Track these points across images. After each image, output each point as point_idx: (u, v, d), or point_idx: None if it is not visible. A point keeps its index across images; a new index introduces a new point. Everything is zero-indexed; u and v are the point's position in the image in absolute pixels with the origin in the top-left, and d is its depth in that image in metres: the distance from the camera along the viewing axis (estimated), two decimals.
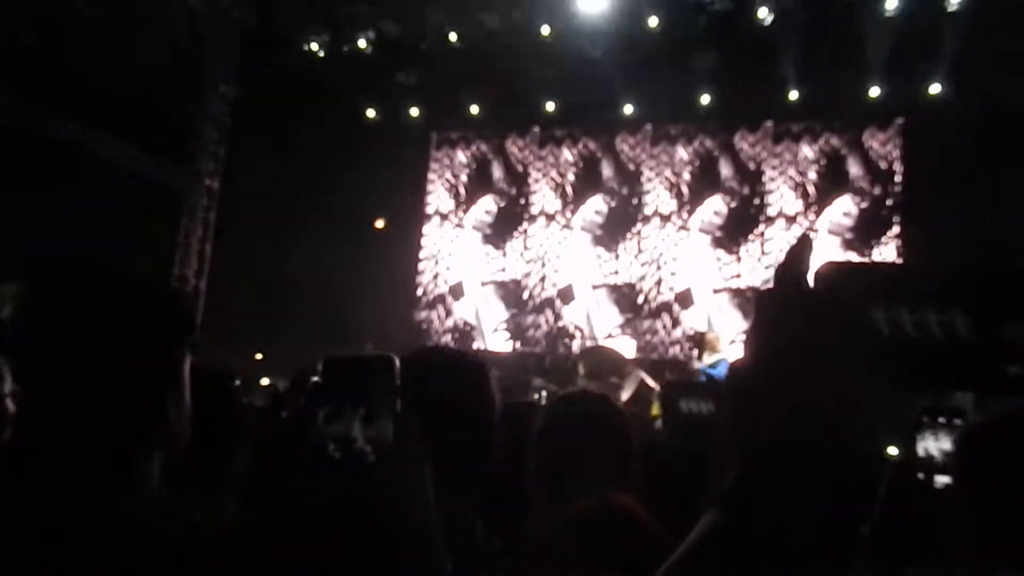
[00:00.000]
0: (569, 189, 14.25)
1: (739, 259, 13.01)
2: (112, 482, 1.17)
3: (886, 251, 12.19)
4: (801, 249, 0.79)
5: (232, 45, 12.94)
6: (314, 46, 12.96)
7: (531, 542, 1.97)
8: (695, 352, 12.72)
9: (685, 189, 13.53)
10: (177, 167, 12.74)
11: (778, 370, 0.73)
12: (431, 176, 15.06)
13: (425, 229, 14.95)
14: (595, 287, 13.81)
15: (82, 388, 1.20)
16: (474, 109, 14.14)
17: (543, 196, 14.35)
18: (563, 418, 2.23)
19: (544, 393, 11.00)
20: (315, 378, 1.18)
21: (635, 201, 13.80)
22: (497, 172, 14.68)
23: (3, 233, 7.60)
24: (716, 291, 13.06)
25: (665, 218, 13.55)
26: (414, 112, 14.23)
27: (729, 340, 12.65)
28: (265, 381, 8.78)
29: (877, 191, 12.50)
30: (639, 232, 13.68)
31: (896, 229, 12.25)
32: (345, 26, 12.84)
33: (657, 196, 13.67)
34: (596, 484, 2.01)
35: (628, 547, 1.83)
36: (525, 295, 14.16)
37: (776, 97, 12.49)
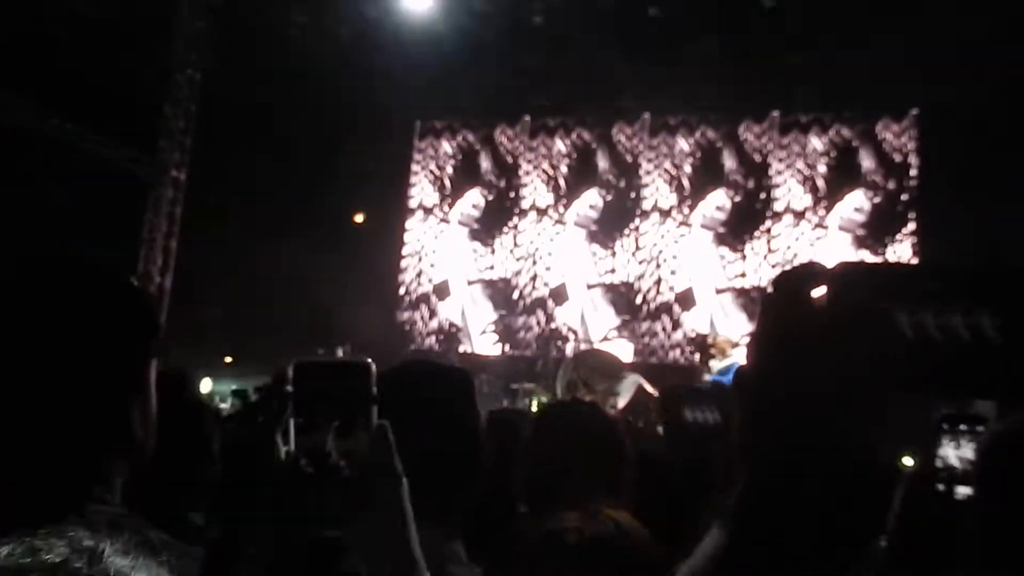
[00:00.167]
0: (562, 182, 14.25)
1: (744, 257, 13.05)
2: (69, 499, 1.15)
3: (901, 249, 12.24)
4: (814, 261, 0.80)
5: (202, 26, 12.89)
6: (291, 28, 12.92)
7: (516, 558, 1.96)
8: (697, 356, 12.75)
9: (686, 182, 13.56)
10: (141, 156, 12.69)
11: (786, 375, 0.72)
12: (414, 168, 15.03)
13: (408, 224, 14.92)
14: (590, 286, 13.82)
15: (35, 397, 1.18)
16: (461, 96, 14.12)
17: (534, 189, 14.35)
18: (552, 427, 2.23)
19: (535, 399, 11.03)
20: (288, 387, 1.17)
21: (633, 195, 13.81)
22: (485, 163, 14.67)
23: None
24: (719, 291, 13.09)
25: (665, 213, 13.58)
26: (397, 99, 14.19)
27: (733, 344, 12.69)
28: (234, 387, 8.75)
29: (891, 185, 12.55)
30: (637, 228, 13.69)
31: (911, 226, 12.30)
32: (323, 6, 12.81)
33: (656, 190, 13.69)
34: (586, 496, 2.01)
35: (620, 562, 1.82)
36: (515, 295, 14.16)
37: (784, 85, 12.52)
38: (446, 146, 14.97)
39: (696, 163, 13.55)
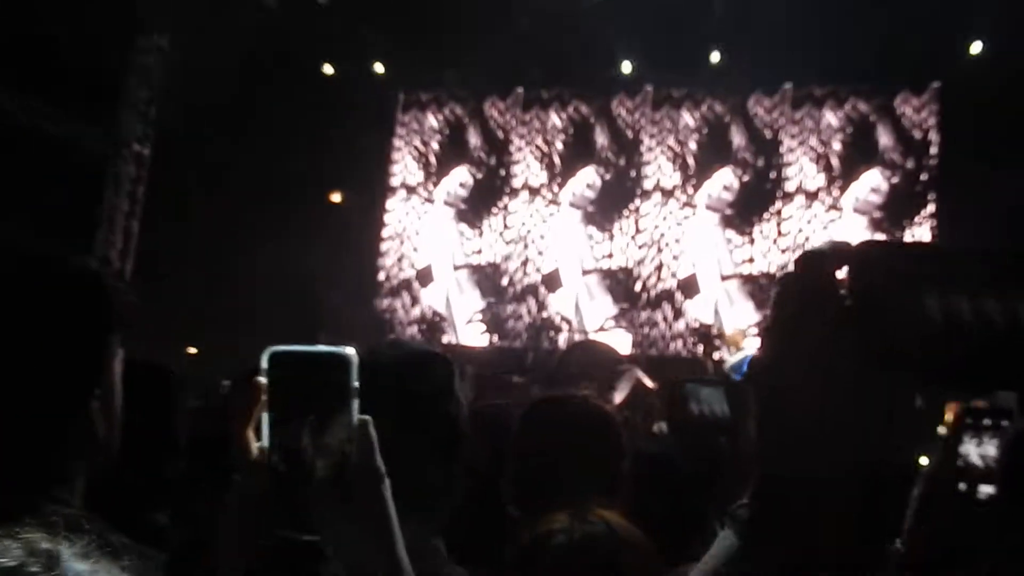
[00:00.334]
0: (557, 159, 14.23)
1: (752, 241, 13.07)
2: (25, 500, 1.15)
3: (919, 233, 12.27)
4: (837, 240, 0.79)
5: None
6: None
7: (505, 562, 1.97)
8: (700, 348, 12.79)
9: (691, 160, 13.56)
10: (100, 130, 12.60)
11: (804, 366, 0.72)
12: (397, 143, 14.98)
13: (389, 204, 14.89)
14: (585, 272, 13.83)
15: None
16: (447, 66, 14.07)
17: (526, 167, 14.33)
18: (542, 423, 2.23)
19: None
20: (262, 378, 1.17)
21: (633, 173, 13.81)
22: (473, 139, 14.64)
23: None
24: (725, 277, 13.12)
25: (667, 193, 13.58)
26: (378, 69, 14.14)
27: (746, 335, 12.73)
28: (199, 379, 8.72)
29: (910, 164, 12.58)
30: (637, 209, 13.70)
31: (931, 207, 12.34)
32: None
33: (658, 168, 13.69)
34: (579, 496, 2.02)
35: (610, 564, 1.83)
36: (504, 281, 14.16)
37: (796, 56, 12.51)
38: (431, 120, 14.92)
39: (702, 139, 13.55)
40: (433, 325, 14.30)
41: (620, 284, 13.65)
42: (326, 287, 12.47)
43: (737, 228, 13.21)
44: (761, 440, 0.75)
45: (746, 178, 13.28)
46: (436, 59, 13.93)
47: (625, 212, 13.77)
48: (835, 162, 12.93)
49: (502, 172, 14.48)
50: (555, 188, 14.17)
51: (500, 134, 14.58)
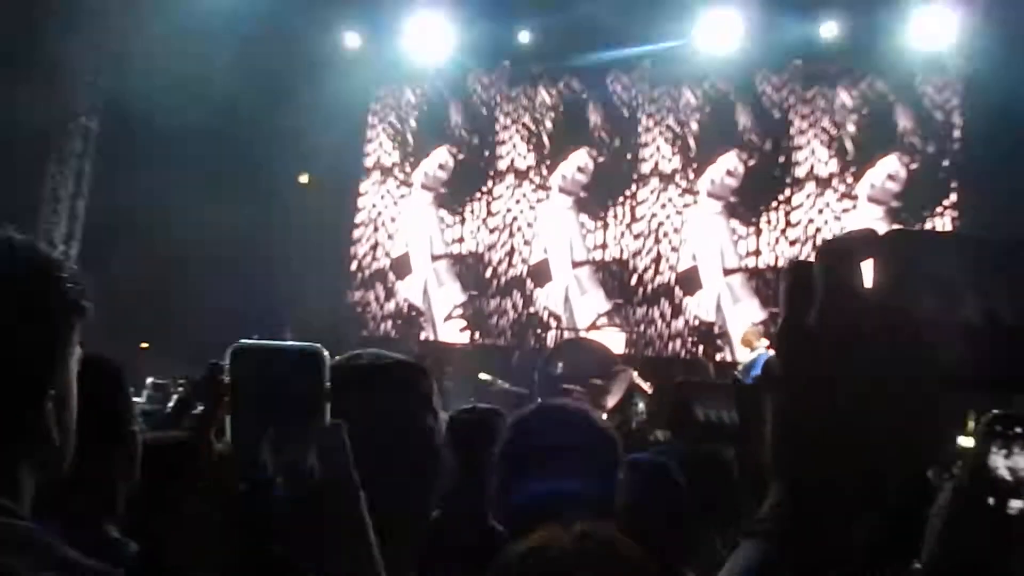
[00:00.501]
0: (546, 140, 14.23)
1: (758, 232, 13.10)
2: None
3: (940, 223, 12.32)
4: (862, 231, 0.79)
5: None
6: None
7: None
8: (701, 348, 12.83)
9: (692, 142, 13.58)
10: (43, 101, 12.51)
11: (826, 370, 0.72)
12: (371, 120, 14.94)
13: (363, 187, 14.85)
14: (576, 264, 13.84)
15: None
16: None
17: (513, 148, 14.32)
18: (533, 432, 2.23)
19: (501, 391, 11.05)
20: (225, 376, 1.16)
21: (629, 156, 13.82)
22: (455, 116, 14.61)
23: None
24: (728, 271, 13.15)
25: (667, 178, 13.60)
26: (352, 39, 14.08)
27: (762, 334, 12.77)
28: (153, 378, 8.70)
29: (931, 149, 12.62)
30: (633, 195, 13.71)
31: (953, 196, 12.39)
32: None
33: (657, 150, 13.71)
34: (573, 509, 2.03)
35: None
36: (487, 273, 14.16)
37: (808, 29, 12.53)
38: (409, 94, 14.88)
39: (704, 119, 13.56)
40: (409, 320, 14.27)
41: (614, 277, 13.66)
42: (292, 278, 12.43)
43: (742, 217, 13.23)
44: (777, 450, 0.75)
45: (752, 163, 13.30)
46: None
47: (620, 199, 13.78)
48: (849, 146, 12.96)
49: (486, 153, 14.46)
50: (544, 171, 14.16)
51: (484, 111, 14.55)
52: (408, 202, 14.65)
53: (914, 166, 12.65)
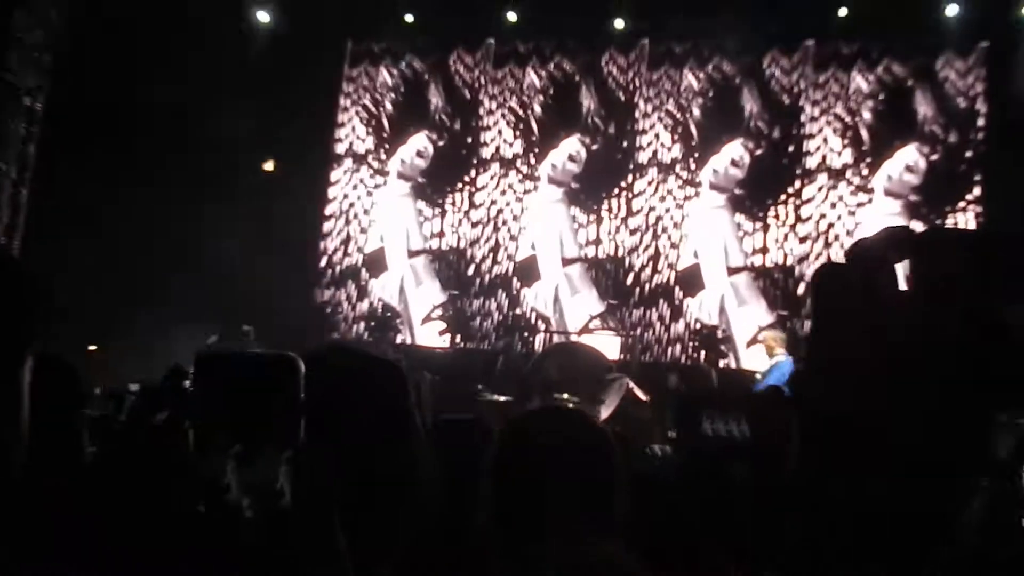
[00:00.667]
0: (534, 125, 14.22)
1: (765, 227, 13.13)
2: None
3: (963, 219, 12.37)
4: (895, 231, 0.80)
5: None
6: None
7: None
8: (703, 354, 12.84)
9: (694, 129, 13.59)
10: None
11: (862, 381, 0.72)
12: (343, 102, 14.90)
13: (333, 175, 14.80)
14: (567, 261, 13.84)
15: None
16: (407, 12, 14.00)
17: (498, 134, 14.31)
18: (526, 439, 2.22)
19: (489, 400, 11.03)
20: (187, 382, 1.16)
21: (625, 144, 13.83)
22: (435, 99, 14.59)
23: None
24: (733, 270, 13.17)
25: (666, 168, 13.61)
26: (323, 15, 14.03)
27: (747, 340, 12.79)
28: (104, 384, 8.64)
29: (953, 138, 12.67)
30: (630, 187, 13.72)
31: (977, 190, 12.43)
32: None
33: (656, 138, 13.72)
34: (571, 526, 2.03)
35: None
36: (470, 270, 14.13)
37: (820, 7, 12.56)
38: (385, 75, 14.85)
39: (707, 105, 13.58)
40: (384, 322, 14.22)
41: (608, 276, 13.66)
42: (254, 275, 12.37)
43: (748, 212, 13.26)
44: (805, 466, 0.75)
45: (759, 152, 13.33)
46: (391, 1, 13.87)
47: (615, 190, 13.78)
48: (864, 134, 13.00)
49: (469, 139, 14.44)
50: (532, 160, 14.15)
51: (467, 93, 14.53)
52: (383, 192, 14.61)
53: (935, 157, 12.70)
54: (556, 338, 13.36)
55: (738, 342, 12.86)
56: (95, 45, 12.15)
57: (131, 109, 12.49)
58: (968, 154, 12.60)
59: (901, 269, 0.73)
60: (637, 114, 13.82)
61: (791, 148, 13.21)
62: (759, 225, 13.17)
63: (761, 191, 13.23)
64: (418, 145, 14.59)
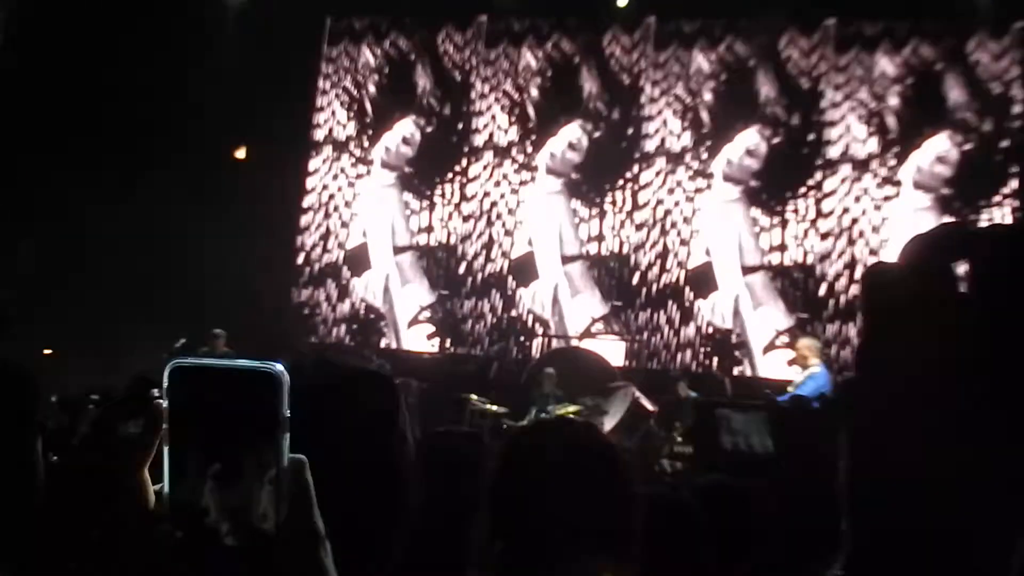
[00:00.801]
0: (531, 110, 14.23)
1: (783, 222, 13.15)
2: None
3: (998, 215, 12.41)
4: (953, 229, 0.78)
5: None
6: None
7: None
8: (715, 361, 12.86)
9: (705, 116, 13.61)
10: None
11: (924, 394, 0.70)
12: (322, 84, 14.91)
13: (311, 164, 14.82)
14: (567, 259, 13.86)
15: None
16: None
17: (492, 120, 14.32)
18: (529, 461, 2.20)
19: (489, 416, 11.04)
20: (156, 392, 1.13)
21: (630, 132, 13.84)
22: (423, 81, 14.60)
23: None
24: (748, 269, 13.19)
25: (675, 158, 13.63)
26: None
27: (763, 345, 12.80)
28: (59, 395, 8.61)
29: (987, 127, 12.70)
30: (635, 178, 13.73)
31: (1014, 184, 12.46)
32: None
33: (663, 125, 13.74)
34: (579, 556, 2.01)
35: None
36: (461, 269, 14.14)
37: None
38: (368, 55, 14.85)
39: (720, 89, 13.60)
40: (366, 325, 14.25)
41: (612, 275, 13.68)
42: (226, 273, 12.37)
43: (764, 205, 13.28)
44: (857, 485, 0.73)
45: (776, 140, 13.35)
46: None
47: (619, 182, 13.80)
48: (891, 122, 13.03)
49: (459, 126, 14.45)
50: (529, 148, 14.16)
51: (458, 76, 14.54)
52: (366, 183, 14.62)
53: (968, 147, 12.73)
54: (555, 343, 13.38)
55: (754, 348, 12.88)
56: (49, 24, 12.13)
57: (89, 93, 12.48)
58: (1004, 144, 12.63)
59: (961, 269, 0.72)
60: (643, 99, 13.84)
61: (811, 136, 13.24)
62: (776, 220, 13.19)
63: (778, 183, 13.25)
64: (404, 131, 14.60)
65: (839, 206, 12.96)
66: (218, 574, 1.09)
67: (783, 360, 11.98)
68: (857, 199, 12.91)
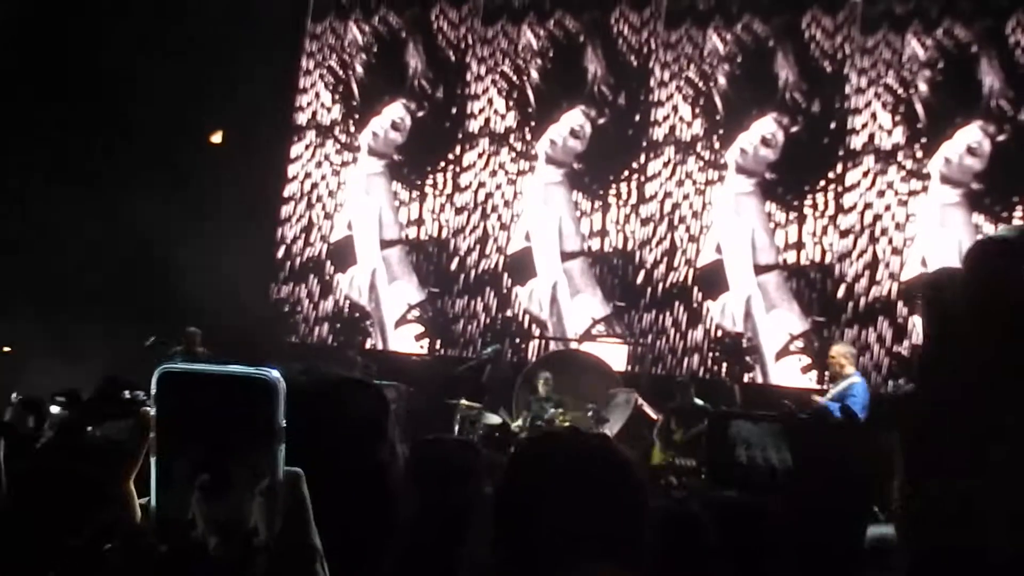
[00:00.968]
0: (531, 94, 14.21)
1: (801, 218, 13.13)
2: None
3: None
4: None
5: None
6: None
7: None
8: (724, 367, 12.84)
9: (719, 101, 13.59)
10: None
11: (986, 401, 0.72)
12: (306, 63, 14.89)
13: (293, 150, 14.79)
14: (567, 256, 13.84)
15: None
16: None
17: (488, 105, 14.31)
18: (540, 472, 2.21)
19: (481, 424, 11.03)
20: (140, 393, 1.16)
21: (637, 118, 13.83)
22: (414, 61, 14.57)
23: None
24: (762, 268, 13.17)
25: (685, 147, 13.61)
26: None
27: (776, 350, 12.78)
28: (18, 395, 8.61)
29: None
30: (642, 169, 13.72)
31: None
32: None
33: (674, 111, 13.72)
34: (585, 561, 2.03)
35: None
36: (453, 265, 14.13)
37: None
38: (355, 32, 14.83)
39: (735, 72, 13.58)
40: (351, 324, 14.23)
41: (615, 274, 13.67)
42: (200, 267, 12.35)
43: (780, 200, 13.26)
44: (916, 506, 0.75)
45: (795, 129, 13.33)
46: None
47: (625, 172, 13.78)
48: (920, 110, 13.00)
49: (453, 110, 14.44)
50: (527, 135, 14.15)
51: (452, 56, 14.53)
52: (352, 171, 14.61)
53: (1002, 138, 12.69)
54: (553, 345, 13.36)
55: (766, 353, 12.87)
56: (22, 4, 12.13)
57: (50, 72, 12.46)
58: None
59: None
60: (652, 82, 13.83)
61: (833, 125, 13.22)
62: (793, 215, 13.18)
63: (796, 175, 13.23)
64: (393, 116, 14.58)
65: (861, 201, 12.93)
66: None
67: (797, 367, 11.99)
68: (881, 194, 12.88)
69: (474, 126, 14.30)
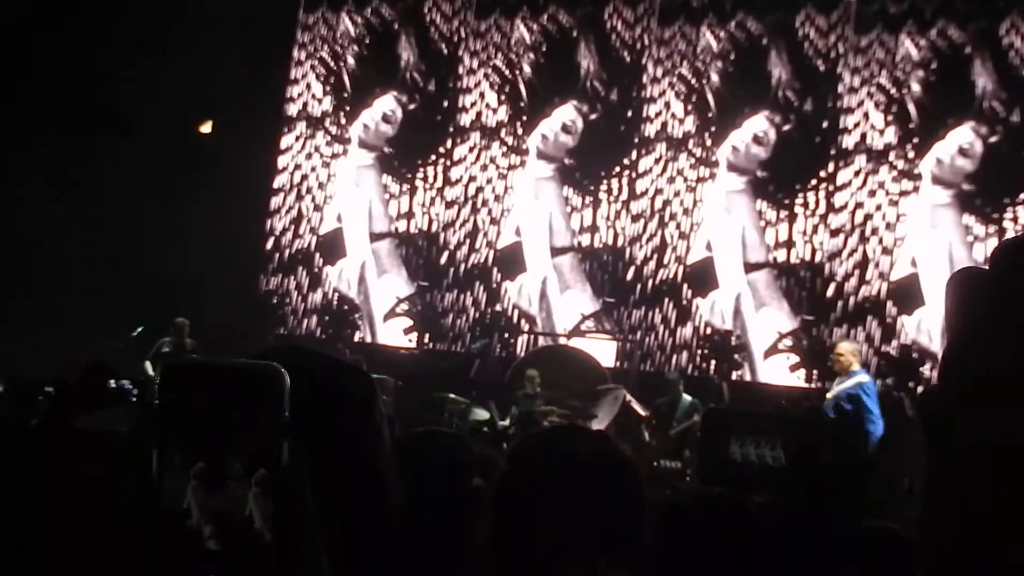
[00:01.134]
0: (523, 89, 14.19)
1: (792, 217, 13.14)
2: None
3: None
4: None
5: None
6: None
7: None
8: (713, 364, 12.85)
9: (711, 98, 13.59)
10: None
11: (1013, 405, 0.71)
12: (297, 54, 14.85)
13: (283, 142, 14.75)
14: (557, 251, 13.83)
15: None
16: None
17: (480, 98, 14.28)
18: (538, 470, 2.21)
19: (471, 419, 11.03)
20: (126, 383, 1.15)
21: (629, 114, 13.82)
22: (406, 54, 14.54)
23: None
24: (752, 266, 13.17)
25: (677, 144, 13.61)
26: None
27: (765, 348, 12.79)
28: None
29: (1016, 118, 12.68)
30: (633, 165, 13.71)
31: None
32: None
33: (666, 108, 13.71)
34: (583, 558, 2.03)
35: None
36: (442, 258, 14.11)
37: None
38: (347, 24, 14.80)
39: (727, 69, 13.57)
40: (340, 317, 14.20)
41: (605, 270, 13.66)
42: (187, 258, 12.33)
43: (771, 198, 13.26)
44: (942, 512, 0.74)
45: (787, 127, 13.32)
46: None
47: (616, 169, 13.77)
48: (912, 110, 13.00)
49: (445, 103, 14.41)
50: (519, 130, 14.14)
51: (444, 49, 14.50)
52: (342, 163, 14.57)
53: (994, 139, 12.70)
54: (542, 341, 13.35)
55: (755, 351, 12.87)
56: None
57: (36, 60, 12.41)
58: None
59: None
60: (644, 78, 13.81)
61: (825, 124, 13.22)
62: (784, 214, 13.18)
63: (787, 174, 13.23)
64: (384, 108, 14.55)
65: (852, 200, 12.93)
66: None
67: (785, 365, 12.00)
68: (872, 193, 12.88)
69: (466, 120, 14.29)
